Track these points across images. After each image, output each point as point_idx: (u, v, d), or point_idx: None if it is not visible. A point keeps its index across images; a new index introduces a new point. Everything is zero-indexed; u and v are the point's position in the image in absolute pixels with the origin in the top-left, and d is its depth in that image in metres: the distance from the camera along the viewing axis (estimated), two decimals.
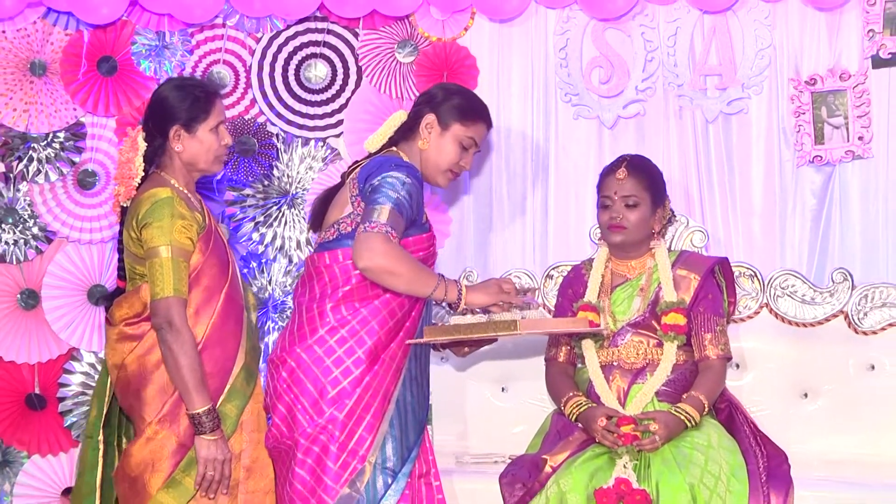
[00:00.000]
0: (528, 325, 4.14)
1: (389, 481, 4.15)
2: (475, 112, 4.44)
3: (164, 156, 4.37)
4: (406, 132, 4.41)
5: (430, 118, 4.36)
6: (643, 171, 4.80)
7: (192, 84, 4.52)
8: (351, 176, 4.34)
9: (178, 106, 4.34)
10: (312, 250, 4.35)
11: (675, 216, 5.09)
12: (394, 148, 4.40)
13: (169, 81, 4.56)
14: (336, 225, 4.24)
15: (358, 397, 4.14)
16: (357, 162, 4.47)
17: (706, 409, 4.55)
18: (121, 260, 4.39)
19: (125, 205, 4.36)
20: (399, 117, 4.45)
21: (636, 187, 4.74)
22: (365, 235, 4.02)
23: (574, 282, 4.92)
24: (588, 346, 4.73)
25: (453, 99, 4.41)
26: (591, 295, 4.80)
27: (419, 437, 4.26)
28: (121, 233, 4.36)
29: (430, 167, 4.37)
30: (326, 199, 4.43)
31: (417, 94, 5.23)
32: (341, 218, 4.23)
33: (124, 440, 4.43)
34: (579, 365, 4.82)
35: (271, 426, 4.27)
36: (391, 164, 4.20)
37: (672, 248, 5.05)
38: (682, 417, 4.47)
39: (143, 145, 4.35)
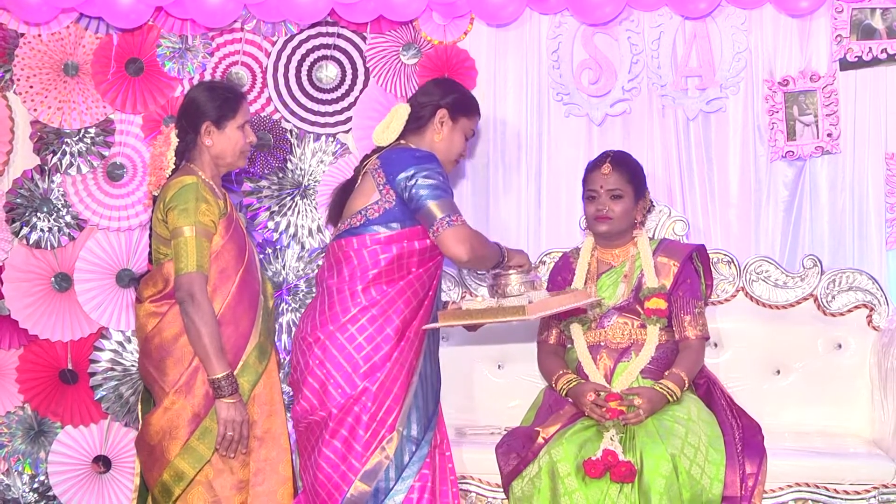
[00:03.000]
0: (534, 309, 4.19)
1: (414, 448, 4.21)
2: (475, 105, 4.55)
3: (194, 150, 4.44)
4: (413, 126, 4.41)
5: (442, 113, 4.41)
6: (626, 166, 4.80)
7: (222, 86, 4.63)
8: (368, 167, 4.35)
9: (209, 104, 4.44)
10: (334, 237, 4.35)
11: (654, 206, 5.09)
12: (402, 141, 4.41)
13: (201, 84, 4.64)
14: (363, 211, 4.26)
15: (388, 371, 4.18)
16: (368, 155, 4.47)
17: (686, 385, 4.56)
18: (151, 244, 4.44)
19: (156, 194, 4.40)
20: (403, 111, 4.42)
21: (620, 181, 4.75)
22: (452, 231, 4.16)
23: (563, 269, 4.93)
24: (576, 329, 4.74)
25: (457, 94, 4.48)
26: (578, 282, 4.80)
27: (437, 408, 4.33)
28: (151, 219, 4.42)
29: (441, 157, 4.37)
30: (344, 193, 4.45)
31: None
32: (368, 205, 4.25)
33: None
34: (568, 346, 4.82)
35: (300, 400, 4.27)
36: (415, 155, 4.26)
37: (654, 237, 5.05)
38: (665, 393, 4.48)
39: (174, 141, 4.42)
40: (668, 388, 4.50)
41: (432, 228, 4.18)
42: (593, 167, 4.84)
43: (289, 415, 4.73)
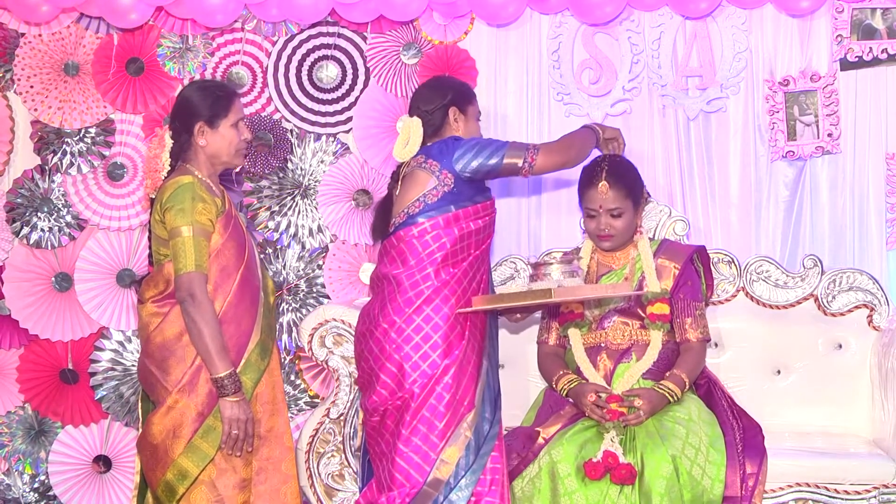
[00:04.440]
0: (561, 293, 4.27)
1: (487, 427, 4.29)
2: (471, 89, 4.72)
3: (189, 151, 4.37)
4: (430, 132, 4.50)
5: (454, 112, 4.52)
6: (622, 181, 4.69)
7: (214, 85, 4.55)
8: (410, 166, 4.44)
9: (201, 104, 4.37)
10: (392, 231, 4.42)
11: (650, 198, 5.01)
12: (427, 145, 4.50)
13: (192, 84, 4.57)
14: (421, 198, 4.35)
15: (463, 348, 4.28)
16: (395, 171, 4.57)
17: (687, 386, 4.55)
18: (150, 246, 4.43)
19: (153, 196, 4.38)
20: (417, 124, 4.49)
21: (618, 198, 4.66)
22: (541, 157, 4.40)
23: None
24: (574, 333, 4.72)
25: (455, 89, 4.58)
26: None
27: (499, 388, 4.42)
28: (150, 220, 4.41)
29: None
30: (386, 205, 4.54)
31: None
32: (426, 191, 4.34)
33: None
34: (568, 347, 4.79)
35: (378, 388, 4.32)
36: (455, 138, 4.43)
37: (654, 237, 5.03)
38: (665, 393, 4.47)
39: (169, 142, 4.37)
40: (669, 389, 4.49)
41: (523, 169, 4.40)
42: (588, 183, 4.72)
43: (290, 413, 4.76)
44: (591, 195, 4.70)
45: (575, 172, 5.33)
